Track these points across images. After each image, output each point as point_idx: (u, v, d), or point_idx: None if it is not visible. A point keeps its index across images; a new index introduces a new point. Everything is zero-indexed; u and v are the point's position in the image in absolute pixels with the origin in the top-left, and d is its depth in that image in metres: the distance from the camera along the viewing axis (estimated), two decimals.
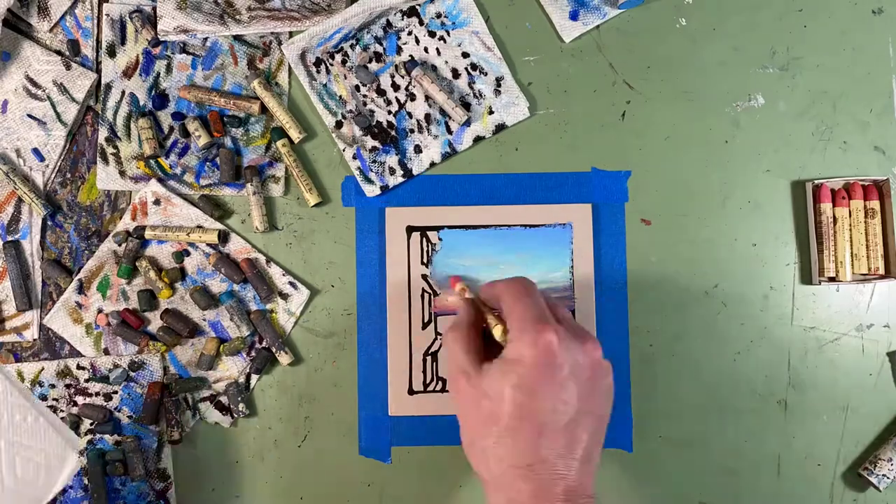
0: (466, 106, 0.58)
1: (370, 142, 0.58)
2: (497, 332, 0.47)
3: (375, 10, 0.57)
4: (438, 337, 0.57)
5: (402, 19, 0.58)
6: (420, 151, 0.58)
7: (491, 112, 0.58)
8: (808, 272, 0.57)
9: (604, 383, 0.45)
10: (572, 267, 0.57)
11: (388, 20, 0.58)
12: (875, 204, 0.56)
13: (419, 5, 0.58)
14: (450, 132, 0.58)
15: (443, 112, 0.58)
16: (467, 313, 0.49)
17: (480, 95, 0.58)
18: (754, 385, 0.57)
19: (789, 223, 0.57)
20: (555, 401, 0.42)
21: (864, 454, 0.57)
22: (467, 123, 0.58)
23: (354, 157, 0.57)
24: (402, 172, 0.58)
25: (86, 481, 0.57)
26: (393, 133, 0.58)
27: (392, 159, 0.58)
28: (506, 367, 0.43)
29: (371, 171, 0.57)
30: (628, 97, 0.58)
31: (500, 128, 0.58)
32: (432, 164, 0.58)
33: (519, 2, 0.59)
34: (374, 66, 0.58)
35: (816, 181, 0.56)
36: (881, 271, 0.56)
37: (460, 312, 0.49)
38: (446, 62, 0.58)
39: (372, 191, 0.57)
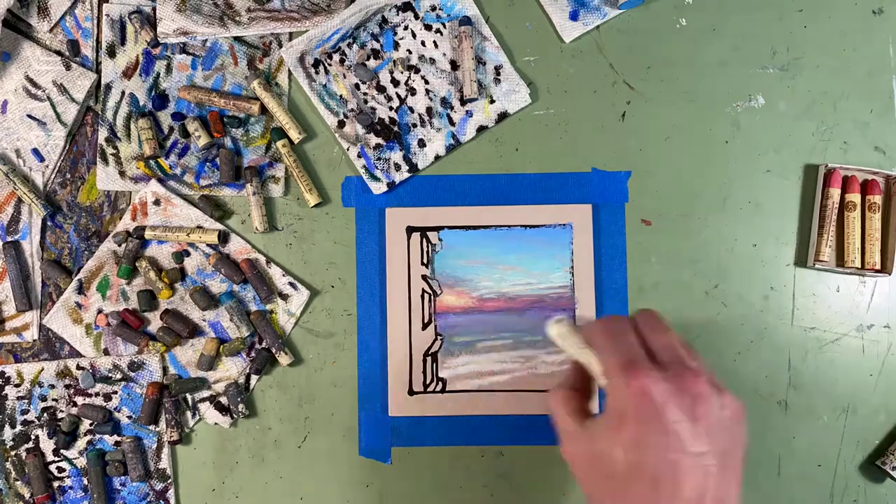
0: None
1: (373, 139, 0.58)
2: (598, 378, 0.44)
3: (371, 8, 0.57)
4: (439, 337, 0.57)
5: (398, 14, 0.58)
6: (424, 145, 0.58)
7: (492, 101, 0.58)
8: (805, 257, 0.57)
9: (719, 416, 0.39)
10: (572, 267, 0.57)
11: (383, 16, 0.58)
12: (878, 199, 0.56)
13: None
14: (452, 124, 0.58)
15: (445, 104, 0.58)
16: (571, 376, 0.45)
17: (481, 85, 0.58)
18: (754, 385, 0.57)
19: (791, 223, 0.57)
20: (665, 451, 0.38)
21: (880, 446, 0.57)
22: (469, 114, 0.58)
23: (359, 156, 0.57)
24: (407, 168, 0.58)
25: (86, 482, 0.57)
26: (396, 129, 0.58)
27: (396, 155, 0.58)
28: (610, 422, 0.40)
29: (376, 168, 0.57)
30: (628, 97, 0.58)
31: (503, 116, 0.58)
32: (437, 158, 0.58)
33: (519, 2, 0.59)
34: (372, 63, 0.58)
35: (830, 165, 0.56)
36: (877, 266, 0.56)
37: (564, 374, 0.46)
38: (444, 54, 0.58)
39: (379, 188, 0.57)
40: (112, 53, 0.59)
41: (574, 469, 0.43)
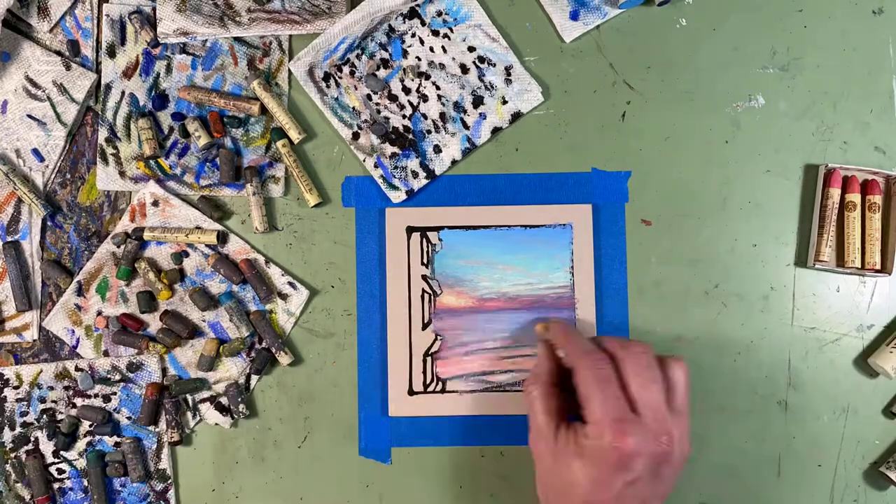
0: (479, 99, 0.58)
1: (389, 148, 0.58)
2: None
3: (376, 16, 0.57)
4: (438, 337, 0.57)
5: (404, 22, 0.58)
6: (440, 151, 0.58)
7: (505, 102, 0.58)
8: (805, 257, 0.57)
9: (672, 471, 0.46)
10: (572, 267, 0.57)
11: (389, 25, 0.58)
12: (878, 199, 0.56)
13: (419, 6, 0.58)
14: (466, 128, 0.57)
15: (457, 108, 0.57)
16: (547, 365, 0.49)
17: (492, 87, 0.58)
18: (754, 385, 0.57)
19: (791, 223, 0.57)
20: (623, 494, 0.44)
21: (881, 448, 0.57)
22: (483, 116, 0.58)
23: (376, 166, 0.57)
24: (424, 175, 0.57)
25: (86, 483, 0.57)
26: (410, 136, 0.58)
27: (413, 163, 0.58)
28: (584, 456, 0.45)
29: (394, 177, 0.57)
30: (628, 97, 0.58)
31: (517, 116, 0.58)
32: (454, 162, 0.58)
33: (519, 2, 0.59)
34: (382, 73, 0.58)
35: (830, 165, 0.56)
36: (877, 266, 0.56)
37: (539, 363, 0.51)
38: (453, 59, 0.58)
39: (398, 196, 0.57)
40: (112, 53, 0.59)
41: (537, 465, 0.48)
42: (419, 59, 0.58)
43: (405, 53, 0.58)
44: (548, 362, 0.50)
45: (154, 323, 0.58)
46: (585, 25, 0.58)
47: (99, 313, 0.58)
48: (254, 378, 0.57)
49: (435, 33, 0.58)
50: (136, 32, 0.58)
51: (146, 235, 0.57)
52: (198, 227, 0.58)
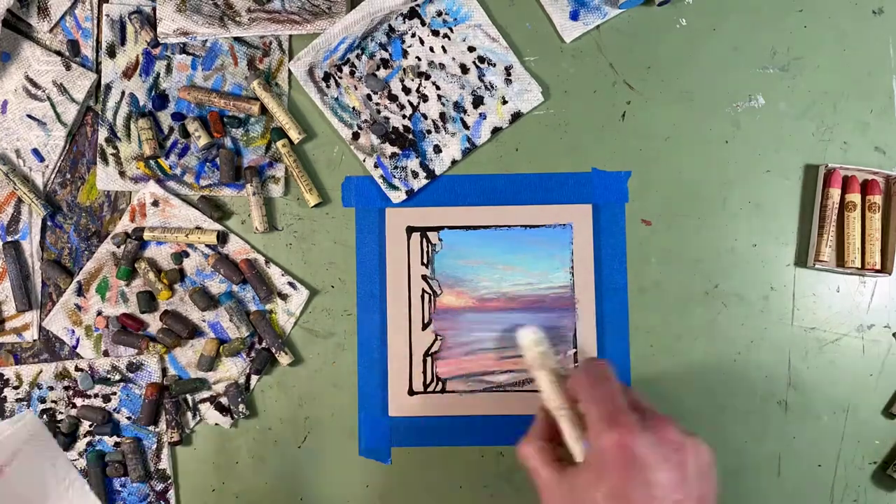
0: (479, 99, 0.58)
1: (389, 148, 0.58)
2: (574, 447, 0.45)
3: (377, 16, 0.57)
4: (438, 337, 0.57)
5: (404, 22, 0.58)
6: (440, 151, 0.58)
7: (505, 102, 0.58)
8: (805, 257, 0.57)
9: (696, 463, 0.41)
10: (572, 267, 0.57)
11: (389, 25, 0.58)
12: (878, 199, 0.56)
13: (419, 6, 0.58)
14: (466, 128, 0.57)
15: (457, 108, 0.58)
16: (541, 426, 0.47)
17: (492, 87, 0.58)
18: (754, 385, 0.57)
19: (791, 223, 0.57)
20: (647, 501, 0.40)
21: (884, 451, 0.57)
22: (483, 116, 0.58)
23: (376, 166, 0.57)
24: (424, 174, 0.57)
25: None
26: (410, 136, 0.58)
27: (413, 163, 0.58)
28: (591, 475, 0.41)
29: (394, 177, 0.57)
30: (628, 97, 0.58)
31: (517, 116, 0.58)
32: (454, 162, 0.58)
33: (519, 2, 0.59)
34: (382, 73, 0.58)
35: (830, 165, 0.56)
36: (877, 266, 0.56)
37: (534, 424, 0.48)
38: (453, 59, 0.58)
39: (398, 196, 0.57)
40: (112, 53, 0.59)
41: None
42: (419, 59, 0.58)
43: (405, 53, 0.58)
44: (543, 423, 0.47)
45: (154, 323, 0.58)
46: (585, 25, 0.58)
47: (99, 313, 0.58)
48: (254, 378, 0.57)
49: (435, 33, 0.58)
50: (136, 32, 0.58)
51: (146, 235, 0.57)
52: (198, 227, 0.58)
